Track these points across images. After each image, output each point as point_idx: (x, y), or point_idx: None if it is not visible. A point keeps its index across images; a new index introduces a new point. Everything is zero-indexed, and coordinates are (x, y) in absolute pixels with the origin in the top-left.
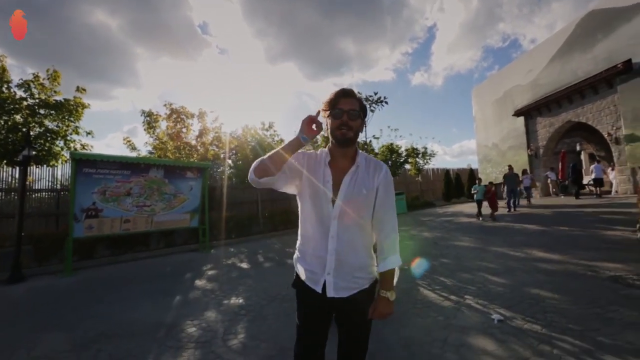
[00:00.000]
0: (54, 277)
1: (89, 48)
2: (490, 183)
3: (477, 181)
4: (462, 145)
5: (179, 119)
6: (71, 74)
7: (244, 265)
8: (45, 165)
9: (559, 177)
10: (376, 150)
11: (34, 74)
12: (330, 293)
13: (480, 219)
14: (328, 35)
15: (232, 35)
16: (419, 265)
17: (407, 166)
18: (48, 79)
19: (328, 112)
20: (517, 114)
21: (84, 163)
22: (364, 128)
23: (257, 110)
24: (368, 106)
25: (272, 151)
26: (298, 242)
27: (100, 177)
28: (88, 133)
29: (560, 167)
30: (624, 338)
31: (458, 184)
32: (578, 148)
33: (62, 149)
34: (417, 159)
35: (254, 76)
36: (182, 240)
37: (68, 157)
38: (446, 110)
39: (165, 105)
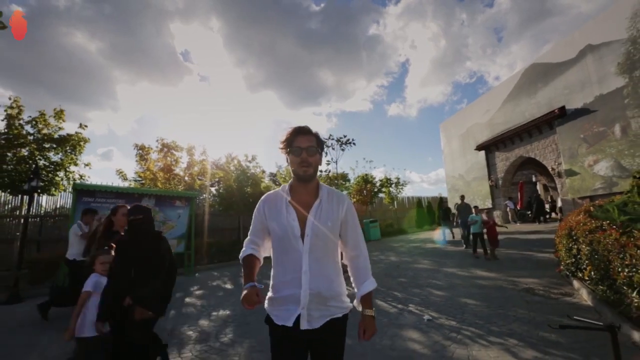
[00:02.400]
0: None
1: (65, 69)
2: (488, 211)
3: (473, 210)
4: (437, 173)
5: (169, 153)
6: (45, 95)
7: (228, 286)
8: (44, 194)
9: (517, 206)
10: (352, 181)
11: (40, 111)
12: (303, 326)
13: (477, 253)
14: (307, 66)
15: (213, 64)
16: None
17: (382, 195)
18: (54, 116)
19: (287, 150)
20: (479, 148)
21: (83, 193)
22: (324, 160)
23: (237, 136)
24: (339, 147)
25: (243, 266)
26: (270, 291)
27: (97, 205)
28: (86, 165)
29: (519, 196)
30: (509, 327)
31: (430, 212)
32: (534, 179)
33: (61, 179)
34: (391, 189)
35: (235, 103)
36: None
37: (66, 186)
38: (421, 140)
39: (157, 140)
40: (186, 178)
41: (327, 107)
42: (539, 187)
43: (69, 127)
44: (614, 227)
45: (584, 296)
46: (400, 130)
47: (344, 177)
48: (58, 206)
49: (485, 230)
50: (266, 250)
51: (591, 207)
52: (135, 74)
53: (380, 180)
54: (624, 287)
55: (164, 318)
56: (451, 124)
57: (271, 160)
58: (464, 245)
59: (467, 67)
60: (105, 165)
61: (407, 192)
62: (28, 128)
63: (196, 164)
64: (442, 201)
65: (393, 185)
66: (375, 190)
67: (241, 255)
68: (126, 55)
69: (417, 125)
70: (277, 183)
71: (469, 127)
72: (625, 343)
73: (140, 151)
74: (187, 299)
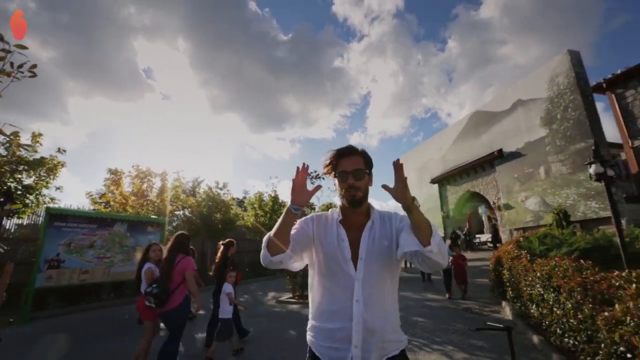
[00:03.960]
0: (10, 328)
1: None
2: (455, 245)
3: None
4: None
5: (145, 179)
6: None
7: (201, 311)
8: (15, 217)
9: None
10: (317, 209)
11: (13, 133)
12: None
13: (448, 295)
14: (272, 92)
15: (177, 82)
16: None
17: None
18: (31, 139)
19: (333, 174)
20: (433, 182)
21: (55, 217)
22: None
23: (200, 156)
24: (309, 181)
25: (274, 228)
26: (311, 319)
27: (69, 230)
28: (57, 188)
29: (467, 226)
30: (448, 337)
31: None
32: (480, 211)
33: (32, 202)
34: None
35: (198, 123)
36: (132, 292)
37: (34, 210)
38: (382, 170)
39: (133, 167)
40: (158, 204)
41: (291, 133)
42: (484, 218)
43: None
44: (527, 255)
45: (508, 312)
46: None
47: (310, 205)
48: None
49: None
50: (288, 262)
51: (520, 238)
52: (92, 87)
53: None
54: (528, 302)
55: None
56: (409, 157)
57: (236, 180)
58: (422, 279)
59: (423, 103)
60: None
61: None
62: (1, 150)
63: (168, 190)
64: None
65: None
66: None
67: (266, 237)
68: (82, 67)
69: (377, 154)
70: (244, 209)
71: (425, 162)
72: (528, 345)
73: (113, 175)
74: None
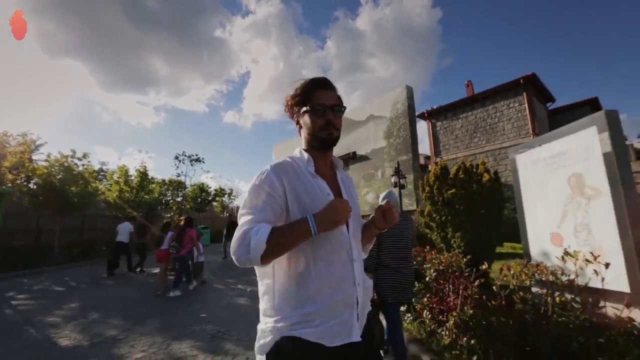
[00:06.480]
0: None
1: None
2: None
3: None
4: None
5: None
6: None
7: (58, 287)
8: None
9: None
10: (188, 188)
11: None
12: (356, 336)
13: None
14: (135, 47)
15: None
16: None
17: (215, 203)
18: None
19: (304, 108)
20: None
21: None
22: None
23: (24, 108)
24: (189, 163)
25: (281, 237)
26: (301, 307)
27: None
28: None
29: None
30: None
31: None
32: None
33: None
34: (224, 198)
35: (18, 64)
36: None
37: None
38: (256, 152)
39: None
40: None
41: (156, 100)
42: None
43: None
44: None
45: None
46: (234, 139)
47: (181, 184)
48: None
49: None
50: None
51: None
52: None
53: (215, 190)
54: None
55: None
56: (282, 148)
57: (79, 144)
58: None
59: None
60: None
61: (239, 202)
62: None
63: (8, 156)
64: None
65: (226, 196)
66: (210, 199)
67: (258, 237)
68: None
69: (251, 137)
70: (101, 181)
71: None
72: None
73: None
74: (14, 302)
